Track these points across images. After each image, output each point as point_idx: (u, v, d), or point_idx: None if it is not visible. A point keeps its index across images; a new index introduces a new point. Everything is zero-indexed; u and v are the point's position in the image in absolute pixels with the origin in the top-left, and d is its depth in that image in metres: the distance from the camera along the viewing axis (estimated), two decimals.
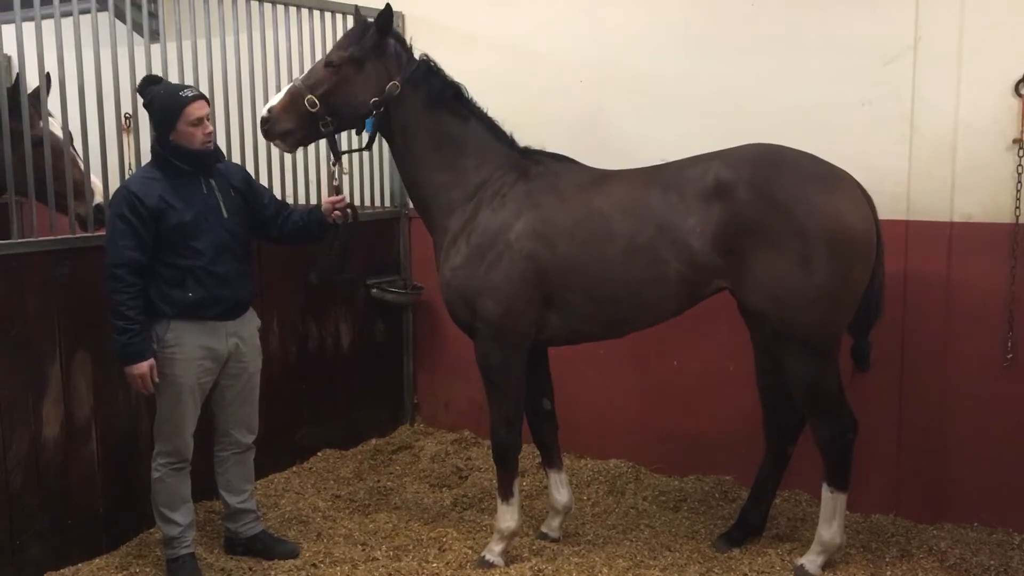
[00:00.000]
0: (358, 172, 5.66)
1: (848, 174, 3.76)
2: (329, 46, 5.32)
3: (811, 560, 3.91)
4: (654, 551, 4.20)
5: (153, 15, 5.30)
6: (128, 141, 4.69)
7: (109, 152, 4.45)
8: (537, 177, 4.00)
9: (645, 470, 5.15)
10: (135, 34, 4.77)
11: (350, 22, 5.46)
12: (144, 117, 4.50)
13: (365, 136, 4.20)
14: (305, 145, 4.29)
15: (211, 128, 3.93)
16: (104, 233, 4.25)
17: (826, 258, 3.58)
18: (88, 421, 4.21)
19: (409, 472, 5.30)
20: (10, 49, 4.09)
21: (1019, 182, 4.12)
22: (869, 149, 4.36)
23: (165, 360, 3.84)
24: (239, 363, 4.07)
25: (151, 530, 4.39)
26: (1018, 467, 4.23)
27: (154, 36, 5.01)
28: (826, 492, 3.85)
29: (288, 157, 5.11)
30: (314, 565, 4.14)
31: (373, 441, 5.74)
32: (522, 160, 4.07)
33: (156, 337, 3.84)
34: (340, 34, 5.43)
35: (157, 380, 3.82)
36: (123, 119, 4.53)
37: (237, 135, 4.92)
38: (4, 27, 4.24)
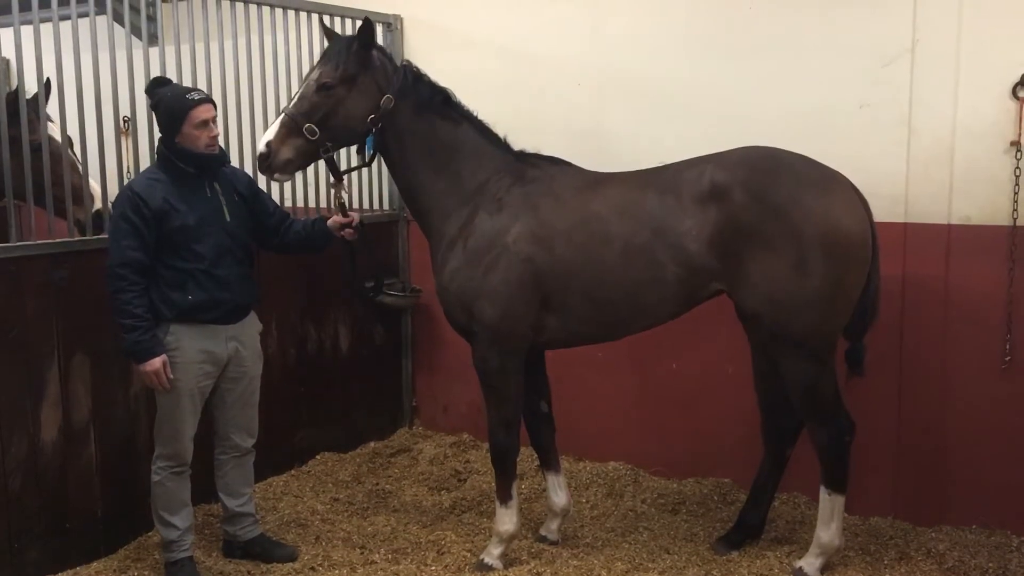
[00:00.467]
0: (356, 176, 5.66)
1: (843, 176, 3.77)
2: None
3: (810, 562, 3.91)
4: (653, 554, 4.20)
5: (152, 19, 5.30)
6: (127, 145, 4.69)
7: (108, 156, 4.45)
8: (533, 180, 4.00)
9: (644, 473, 5.15)
10: (133, 38, 4.76)
11: (348, 26, 5.50)
12: (143, 121, 4.54)
13: (359, 147, 4.17)
14: (303, 170, 4.24)
15: (216, 131, 3.94)
16: (102, 236, 4.28)
17: (822, 261, 3.58)
18: (86, 424, 4.21)
19: (408, 475, 5.30)
20: (8, 53, 4.09)
21: (1017, 184, 4.12)
22: (867, 151, 4.37)
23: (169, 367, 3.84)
24: (239, 367, 4.06)
25: (149, 533, 4.38)
26: (1017, 469, 4.24)
27: (152, 40, 5.01)
28: (824, 494, 3.86)
29: None
30: (313, 568, 4.14)
31: (372, 444, 5.74)
32: (518, 163, 4.06)
33: (155, 342, 3.84)
34: None
35: (172, 376, 3.81)
36: (121, 123, 4.54)
37: (236, 138, 4.92)
38: (2, 31, 4.24)
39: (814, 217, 3.60)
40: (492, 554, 4.07)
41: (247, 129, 5.00)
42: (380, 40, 5.71)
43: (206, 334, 3.91)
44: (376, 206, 5.86)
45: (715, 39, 4.77)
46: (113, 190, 4.57)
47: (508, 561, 4.10)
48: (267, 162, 3.87)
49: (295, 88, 4.46)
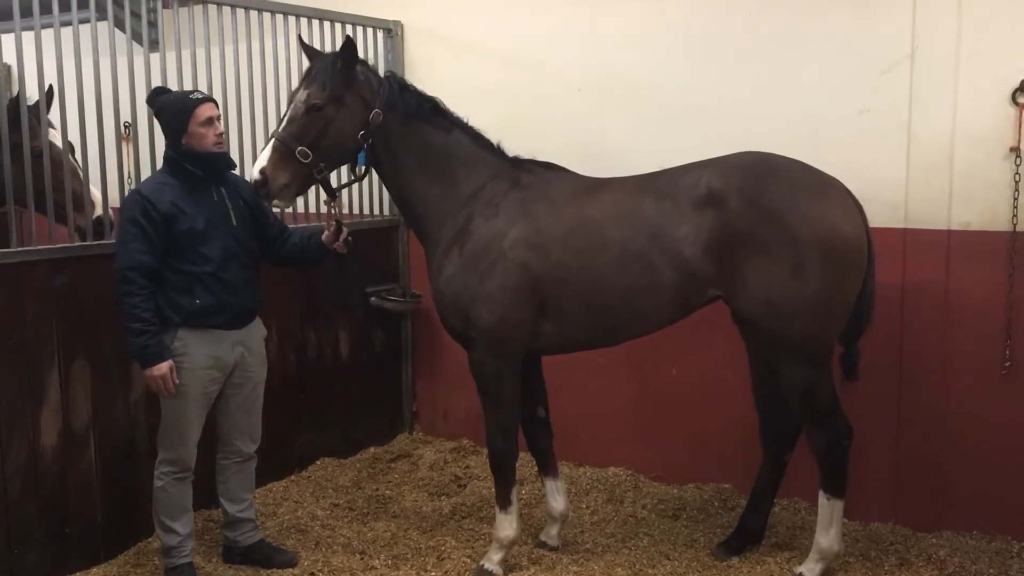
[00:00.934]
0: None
1: (839, 182, 3.78)
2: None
3: (810, 568, 3.91)
4: (653, 559, 4.20)
5: (153, 24, 5.31)
6: (127, 150, 4.70)
7: (108, 161, 4.46)
8: (529, 186, 4.00)
9: (644, 478, 5.15)
10: (134, 43, 4.76)
11: (349, 31, 5.50)
12: (144, 127, 4.55)
13: (351, 163, 4.12)
14: (302, 195, 4.21)
15: (222, 129, 3.94)
16: (103, 242, 4.29)
17: (818, 266, 3.59)
18: (86, 430, 4.21)
19: (408, 480, 5.30)
20: (10, 58, 4.10)
21: (1016, 190, 4.13)
22: (867, 158, 4.38)
23: (175, 372, 3.84)
24: (244, 372, 4.07)
25: (149, 539, 4.38)
26: (1017, 474, 4.24)
27: (153, 45, 5.02)
28: (823, 499, 3.86)
29: None
30: (312, 574, 4.13)
31: (372, 449, 5.74)
32: (513, 169, 4.06)
33: (163, 346, 3.84)
34: (339, 44, 5.46)
35: (178, 381, 3.82)
36: (123, 128, 4.54)
37: (236, 144, 4.92)
38: (4, 36, 4.25)
39: (810, 222, 3.60)
40: (492, 560, 4.07)
41: (248, 134, 5.01)
42: (380, 46, 5.78)
43: (213, 339, 3.91)
44: (376, 212, 5.86)
45: (715, 45, 4.78)
46: (114, 195, 4.58)
47: (508, 567, 4.10)
48: (264, 189, 3.80)
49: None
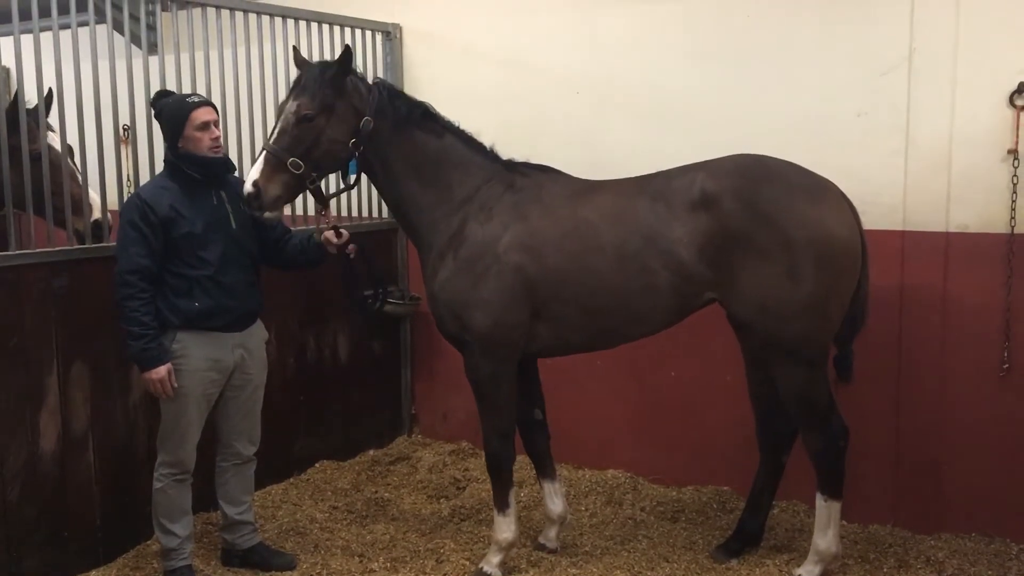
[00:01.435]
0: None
1: (832, 184, 3.79)
2: (327, 59, 5.35)
3: (808, 570, 3.91)
4: (652, 562, 4.20)
5: (151, 28, 5.32)
6: (126, 153, 4.70)
7: (107, 164, 4.46)
8: (523, 189, 4.00)
9: (643, 481, 5.15)
10: (133, 47, 4.76)
11: (348, 35, 5.51)
12: (142, 129, 4.55)
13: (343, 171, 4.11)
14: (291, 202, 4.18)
15: (218, 133, 3.93)
16: (101, 245, 4.29)
17: (812, 268, 3.60)
18: (85, 433, 4.21)
19: (407, 483, 5.30)
20: (8, 62, 4.10)
21: (1014, 192, 4.13)
22: (865, 160, 4.39)
23: (175, 374, 3.84)
24: (244, 375, 4.07)
25: (148, 542, 4.38)
26: (1015, 477, 4.24)
27: (152, 48, 5.03)
28: (820, 501, 3.86)
29: None
30: None
31: (371, 452, 5.74)
32: (507, 172, 4.06)
33: (162, 349, 3.84)
34: (338, 47, 5.47)
35: (177, 383, 3.82)
36: (121, 131, 4.54)
37: (235, 146, 4.93)
38: (2, 39, 4.25)
39: (804, 224, 3.61)
40: (491, 562, 4.07)
41: (246, 137, 5.01)
42: (379, 49, 5.78)
43: (213, 342, 3.91)
44: (375, 215, 5.87)
45: (713, 48, 4.78)
46: (113, 198, 4.59)
47: (507, 569, 4.10)
48: (257, 202, 3.74)
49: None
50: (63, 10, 4.10)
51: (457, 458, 5.60)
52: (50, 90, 4.27)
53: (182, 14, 4.77)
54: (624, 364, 5.09)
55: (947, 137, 4.25)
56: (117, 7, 4.43)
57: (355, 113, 3.87)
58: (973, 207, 4.24)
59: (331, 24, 5.47)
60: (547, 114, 5.27)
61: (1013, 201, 4.14)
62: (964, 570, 4.05)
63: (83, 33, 4.29)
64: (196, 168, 3.88)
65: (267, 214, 3.82)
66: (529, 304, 3.89)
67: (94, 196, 4.42)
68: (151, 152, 4.54)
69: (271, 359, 4.34)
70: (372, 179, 4.10)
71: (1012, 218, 4.15)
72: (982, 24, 4.13)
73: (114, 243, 3.97)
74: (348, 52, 3.85)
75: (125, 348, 3.85)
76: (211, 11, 4.87)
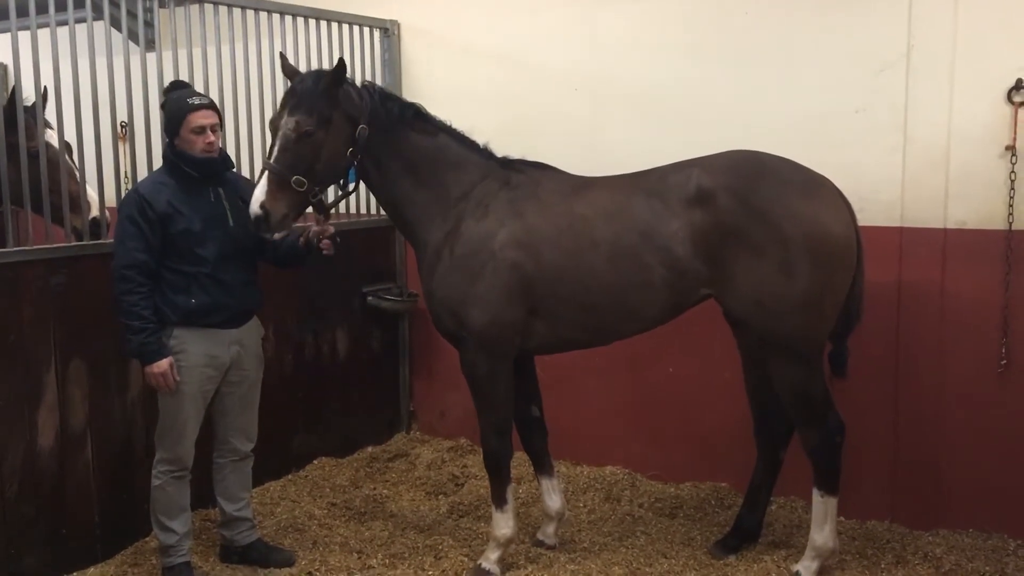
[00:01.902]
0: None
1: (827, 180, 3.79)
2: (325, 56, 5.35)
3: (806, 566, 3.92)
4: (650, 558, 4.20)
5: (149, 24, 5.32)
6: (124, 150, 4.69)
7: (105, 161, 4.46)
8: (519, 186, 3.99)
9: (641, 477, 5.16)
10: (131, 43, 4.76)
11: (346, 32, 5.51)
12: (140, 126, 4.54)
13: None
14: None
15: (213, 139, 3.89)
16: (99, 242, 4.29)
17: (807, 264, 3.60)
18: (83, 429, 4.21)
19: (405, 480, 5.30)
20: (6, 58, 4.10)
21: (1012, 189, 4.14)
22: (863, 157, 4.39)
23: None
24: (240, 371, 4.07)
25: (146, 539, 4.38)
26: (1013, 473, 4.24)
27: (150, 45, 5.03)
28: (817, 496, 3.87)
29: None
30: (310, 573, 4.14)
31: (369, 449, 5.74)
32: (502, 169, 4.05)
33: (161, 343, 3.85)
34: (335, 44, 5.47)
35: (178, 378, 3.83)
36: (119, 128, 4.54)
37: (232, 143, 4.92)
38: (0, 36, 4.25)
39: (799, 221, 3.62)
40: (489, 559, 4.07)
41: (244, 134, 5.00)
42: (377, 45, 5.78)
43: (209, 338, 3.91)
44: (373, 212, 5.86)
45: (711, 45, 4.78)
46: (111, 195, 4.58)
47: (505, 566, 4.10)
48: (265, 224, 3.69)
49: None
50: (60, 7, 4.10)
51: (455, 455, 5.60)
52: (45, 88, 4.26)
53: (179, 11, 4.76)
54: (623, 361, 5.09)
55: (945, 134, 4.25)
56: (115, 4, 4.43)
57: (351, 121, 3.84)
58: (971, 203, 4.24)
59: (328, 20, 5.46)
60: (546, 112, 5.26)
61: (1011, 197, 4.14)
62: (961, 566, 4.05)
63: (81, 30, 4.29)
64: (191, 167, 3.88)
65: (276, 233, 3.80)
66: (525, 301, 3.89)
67: (92, 193, 4.42)
68: (149, 149, 4.54)
69: (269, 356, 4.34)
70: (366, 181, 4.08)
71: (1010, 214, 4.15)
72: (980, 21, 4.13)
73: (112, 240, 3.97)
74: (343, 64, 3.82)
75: (124, 343, 3.85)
76: (208, 8, 4.87)
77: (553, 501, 4.33)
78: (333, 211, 4.12)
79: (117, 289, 3.78)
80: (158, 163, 4.42)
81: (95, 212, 4.41)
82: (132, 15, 5.02)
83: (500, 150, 4.13)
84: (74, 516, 4.19)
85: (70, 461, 4.17)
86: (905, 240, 4.37)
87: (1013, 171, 4.12)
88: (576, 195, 3.94)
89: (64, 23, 4.18)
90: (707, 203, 3.69)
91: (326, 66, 4.93)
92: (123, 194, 4.93)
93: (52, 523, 4.11)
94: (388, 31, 5.78)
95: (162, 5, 4.82)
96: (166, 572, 4.01)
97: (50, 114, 4.36)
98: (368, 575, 4.11)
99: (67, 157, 4.41)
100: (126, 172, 4.70)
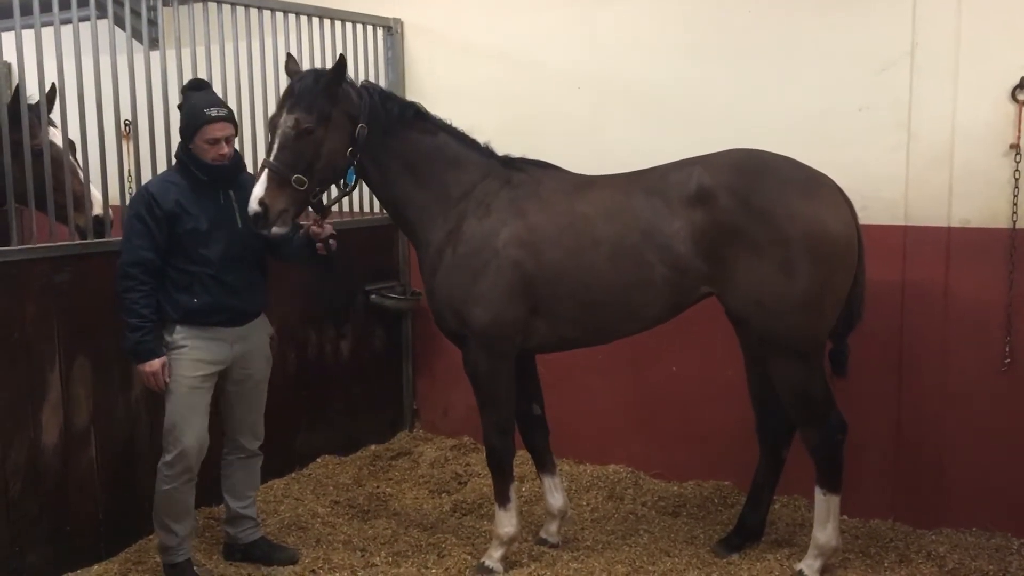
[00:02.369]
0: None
1: (828, 179, 3.78)
2: (328, 54, 5.35)
3: (809, 564, 3.92)
4: (653, 556, 4.20)
5: (153, 22, 5.31)
6: (128, 148, 4.70)
7: (109, 159, 4.46)
8: (520, 184, 3.99)
9: (644, 475, 5.15)
10: (135, 41, 4.76)
11: (349, 30, 5.51)
12: (144, 125, 4.55)
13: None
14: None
15: (225, 150, 3.89)
16: (103, 240, 4.29)
17: (808, 263, 3.60)
18: (87, 428, 4.21)
19: (408, 478, 5.31)
20: (10, 57, 4.10)
21: (1016, 187, 4.13)
22: (866, 155, 4.39)
23: (171, 365, 3.86)
24: (244, 369, 4.07)
25: (150, 536, 4.37)
26: (1016, 471, 4.24)
27: (154, 43, 5.02)
28: (819, 495, 3.87)
29: None
30: (313, 571, 4.14)
31: (372, 447, 5.74)
32: (504, 168, 4.05)
33: (157, 343, 3.85)
34: (339, 42, 5.47)
35: (168, 379, 3.84)
36: (123, 126, 4.54)
37: (236, 141, 4.90)
38: (4, 35, 4.25)
39: (800, 220, 3.61)
40: (493, 557, 4.07)
41: (248, 133, 5.00)
42: (380, 44, 5.78)
43: (211, 336, 3.92)
44: (376, 210, 5.86)
45: (714, 43, 4.78)
46: (114, 193, 4.58)
47: (509, 564, 4.11)
48: (265, 220, 3.69)
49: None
50: (64, 5, 4.10)
51: (458, 453, 5.60)
52: (53, 85, 4.27)
53: (183, 9, 4.77)
54: (625, 359, 5.09)
55: (949, 132, 4.24)
56: (119, 2, 4.44)
57: (350, 120, 3.84)
58: (975, 202, 4.24)
59: (332, 19, 5.46)
60: (547, 110, 5.26)
61: (1015, 196, 4.14)
62: (965, 565, 4.05)
63: (84, 28, 4.28)
64: (200, 171, 3.90)
65: (275, 230, 3.78)
66: (527, 299, 3.89)
67: (95, 192, 4.43)
68: (152, 147, 4.54)
69: (273, 355, 4.34)
70: (367, 181, 4.07)
71: (1014, 213, 4.15)
72: (984, 19, 4.13)
73: (116, 238, 3.97)
74: (343, 61, 3.82)
75: (122, 340, 3.86)
76: (212, 6, 4.87)
77: (555, 499, 4.33)
78: (335, 208, 4.12)
79: (120, 286, 3.79)
80: (162, 161, 4.44)
81: (98, 210, 4.41)
82: (136, 13, 5.03)
83: (501, 149, 4.13)
84: (77, 514, 4.20)
85: (74, 459, 4.17)
86: (908, 239, 4.37)
87: (1017, 169, 4.12)
88: (577, 194, 3.94)
89: (68, 21, 4.18)
90: (708, 202, 3.69)
91: (330, 64, 4.93)
92: (126, 192, 4.95)
93: (56, 521, 4.11)
94: (392, 29, 5.78)
95: (166, 3, 4.82)
96: (168, 570, 4.01)
97: (54, 113, 4.37)
98: (371, 573, 4.11)
99: (71, 155, 4.42)
100: (129, 170, 4.70)
